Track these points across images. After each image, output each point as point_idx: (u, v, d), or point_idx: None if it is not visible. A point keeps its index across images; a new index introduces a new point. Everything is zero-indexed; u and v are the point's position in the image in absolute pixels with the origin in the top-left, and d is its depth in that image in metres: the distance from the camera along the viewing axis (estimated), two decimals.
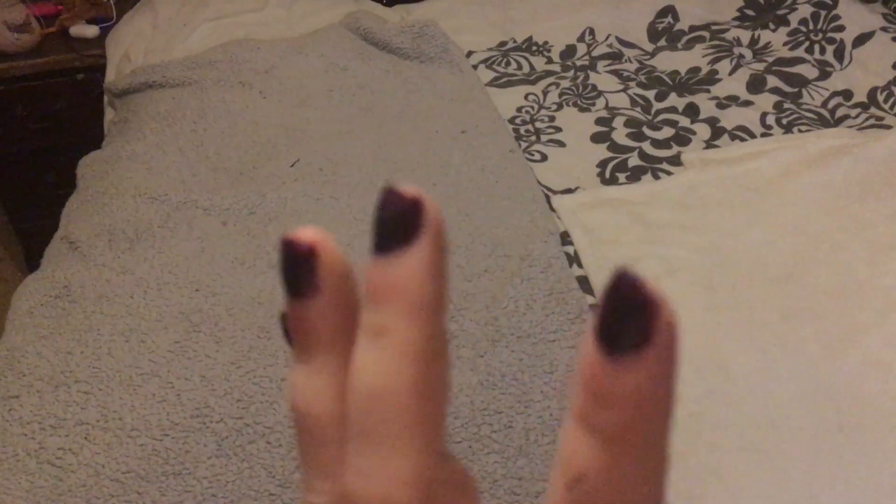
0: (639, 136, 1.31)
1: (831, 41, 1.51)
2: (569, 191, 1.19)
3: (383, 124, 1.34)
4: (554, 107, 1.40)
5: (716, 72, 1.48)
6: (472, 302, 0.97)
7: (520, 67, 1.54)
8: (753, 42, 1.56)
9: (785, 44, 1.55)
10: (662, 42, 1.61)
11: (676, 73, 1.49)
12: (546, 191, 1.18)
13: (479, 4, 1.72)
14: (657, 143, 1.29)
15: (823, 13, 1.55)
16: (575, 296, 0.97)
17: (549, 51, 1.59)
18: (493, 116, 1.34)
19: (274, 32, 1.62)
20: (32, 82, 1.74)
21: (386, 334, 0.15)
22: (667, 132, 1.32)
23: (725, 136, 1.30)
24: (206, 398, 0.87)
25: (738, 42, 1.56)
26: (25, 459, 0.83)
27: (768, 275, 1.02)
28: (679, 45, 1.58)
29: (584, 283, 1.01)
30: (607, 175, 1.23)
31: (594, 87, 1.45)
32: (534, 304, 0.96)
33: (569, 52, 1.59)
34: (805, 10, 1.57)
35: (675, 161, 1.24)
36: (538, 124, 1.35)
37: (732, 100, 1.39)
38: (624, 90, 1.43)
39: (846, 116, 1.35)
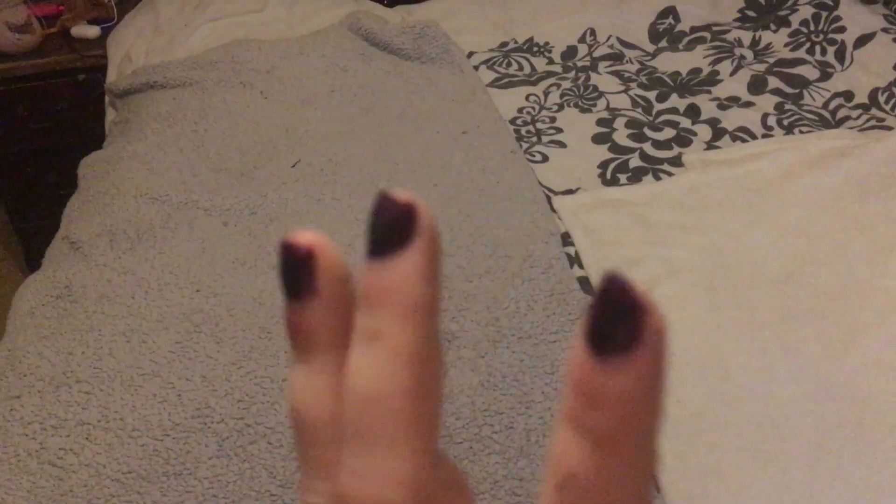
0: (640, 137, 1.31)
1: (832, 42, 1.51)
2: (570, 192, 1.19)
3: (384, 125, 1.34)
4: (555, 107, 1.40)
5: (717, 73, 1.48)
6: (473, 303, 0.97)
7: (521, 68, 1.54)
8: (754, 43, 1.56)
9: (786, 45, 1.55)
10: (663, 43, 1.61)
11: (677, 74, 1.49)
12: (547, 192, 1.18)
13: (481, 5, 1.72)
14: (658, 144, 1.29)
15: (824, 14, 1.55)
16: (576, 297, 0.97)
17: (550, 51, 1.59)
18: (495, 117, 1.34)
19: (275, 33, 1.62)
20: (34, 82, 1.74)
21: (380, 338, 0.16)
22: (668, 133, 1.32)
23: (726, 137, 1.30)
24: (207, 398, 0.87)
25: (740, 43, 1.56)
26: (27, 460, 0.83)
27: (769, 275, 1.02)
28: (680, 46, 1.58)
29: (586, 284, 1.01)
30: (608, 176, 1.23)
31: (595, 88, 1.45)
32: (535, 304, 0.96)
33: (570, 52, 1.59)
34: (806, 12, 1.57)
35: (677, 162, 1.24)
36: (539, 125, 1.35)
37: (733, 101, 1.39)
38: (625, 91, 1.43)
39: (847, 117, 1.35)
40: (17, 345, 0.97)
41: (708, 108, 1.37)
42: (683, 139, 1.30)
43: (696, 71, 1.49)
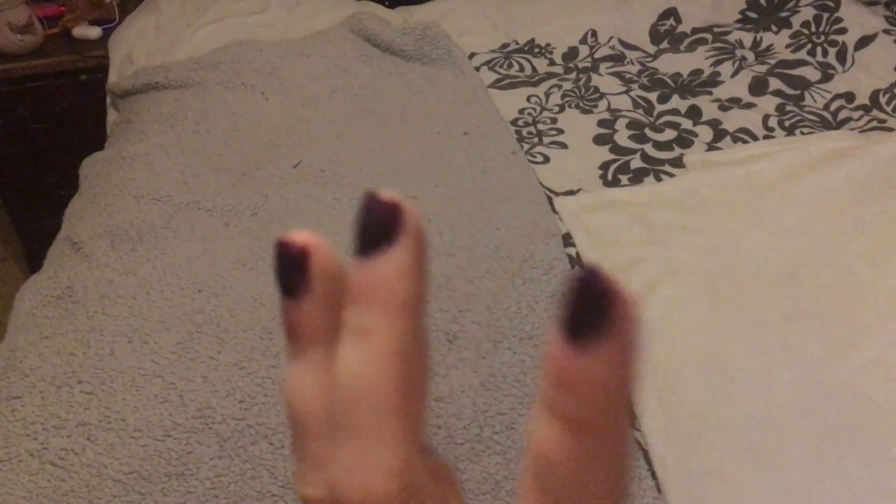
0: (641, 138, 1.31)
1: (833, 44, 1.51)
2: (571, 192, 1.19)
3: (386, 126, 1.34)
4: (556, 109, 1.40)
5: (718, 74, 1.48)
6: (474, 303, 0.97)
7: (522, 69, 1.54)
8: (756, 44, 1.56)
9: (787, 46, 1.55)
10: (664, 44, 1.61)
11: (678, 75, 1.49)
12: (548, 192, 1.18)
13: (482, 6, 1.72)
14: (659, 145, 1.29)
15: (826, 16, 1.55)
16: None
17: (551, 53, 1.59)
18: (496, 118, 1.34)
19: (276, 34, 1.62)
20: (35, 83, 1.74)
21: (367, 333, 0.16)
22: (669, 134, 1.32)
23: (727, 139, 1.30)
24: (208, 399, 0.87)
25: (741, 44, 1.56)
26: (28, 460, 0.83)
27: (770, 276, 1.02)
28: (681, 48, 1.58)
29: None
30: (609, 177, 1.23)
31: (596, 89, 1.45)
32: (536, 305, 0.96)
33: (571, 53, 1.59)
34: (807, 13, 1.57)
35: (678, 163, 1.24)
36: (540, 126, 1.35)
37: (734, 102, 1.39)
38: (626, 92, 1.44)
39: (848, 119, 1.35)
40: (18, 345, 0.97)
41: (709, 110, 1.37)
42: (684, 140, 1.30)
43: (697, 72, 1.49)
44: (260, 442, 0.83)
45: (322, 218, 1.13)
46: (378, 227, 0.16)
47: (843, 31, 1.51)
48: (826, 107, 1.38)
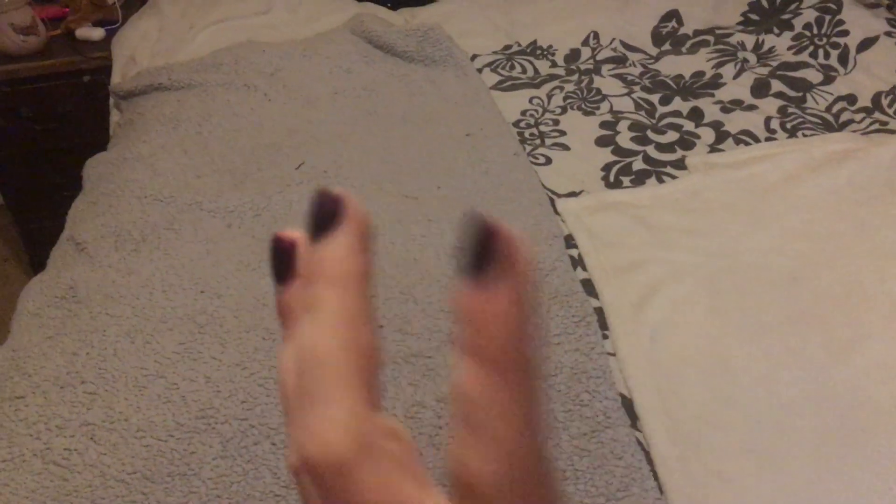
0: (643, 140, 1.31)
1: (835, 46, 1.51)
2: (573, 194, 1.19)
3: (388, 127, 1.34)
4: (558, 110, 1.40)
5: (720, 76, 1.48)
6: None
7: (524, 71, 1.54)
8: (758, 46, 1.56)
9: (789, 48, 1.55)
10: (667, 46, 1.61)
11: (681, 77, 1.49)
12: (550, 194, 1.18)
13: (484, 8, 1.72)
14: (661, 147, 1.29)
15: (828, 18, 1.55)
16: (579, 299, 0.97)
17: (553, 54, 1.59)
18: (498, 120, 1.34)
19: (279, 35, 1.62)
20: (38, 84, 1.75)
21: (317, 305, 0.18)
22: (671, 136, 1.32)
23: (730, 140, 1.30)
24: (211, 399, 0.88)
25: (743, 46, 1.57)
26: (31, 460, 0.83)
27: (772, 278, 1.02)
28: (683, 50, 1.58)
29: (588, 287, 1.01)
30: (612, 179, 1.23)
31: (598, 91, 1.45)
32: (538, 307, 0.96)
33: (573, 55, 1.59)
34: (809, 15, 1.58)
35: (680, 165, 1.25)
36: (542, 128, 1.35)
37: (737, 104, 1.40)
38: (628, 94, 1.44)
39: (850, 121, 1.35)
40: (21, 345, 0.97)
41: (711, 112, 1.38)
42: (687, 142, 1.30)
43: (699, 74, 1.49)
44: (262, 442, 0.83)
45: None
46: (323, 215, 0.18)
47: (845, 33, 1.51)
48: (828, 109, 1.39)
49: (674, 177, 1.22)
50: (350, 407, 0.17)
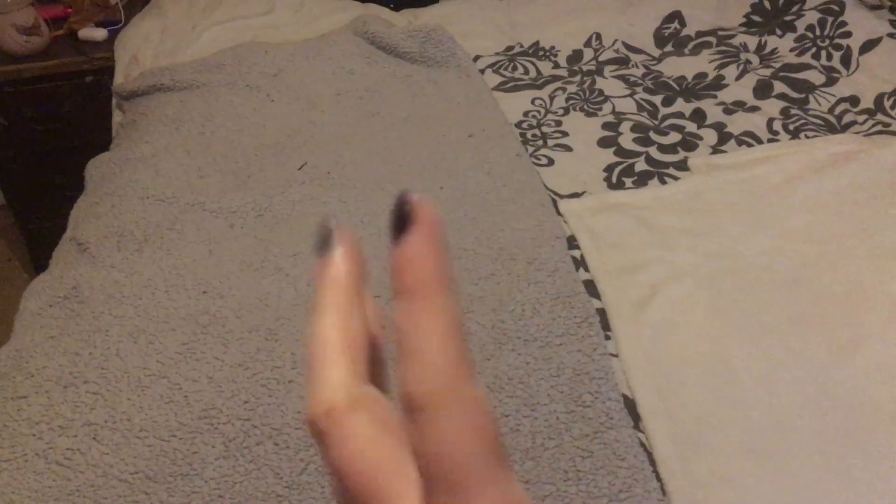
0: (645, 141, 1.31)
1: (838, 47, 1.51)
2: (575, 195, 1.19)
3: (390, 128, 1.34)
4: (561, 111, 1.40)
5: (722, 77, 1.48)
6: (478, 305, 0.98)
7: (527, 72, 1.54)
8: (760, 48, 1.56)
9: (792, 50, 1.55)
10: (669, 47, 1.61)
11: (683, 78, 1.49)
12: (553, 195, 1.18)
13: (486, 9, 1.72)
14: (664, 148, 1.29)
15: (830, 19, 1.55)
16: (581, 300, 0.97)
17: (555, 55, 1.59)
18: (500, 121, 1.34)
19: (281, 36, 1.62)
20: (41, 84, 1.75)
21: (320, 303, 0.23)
22: (673, 137, 1.32)
23: (732, 142, 1.30)
24: (213, 399, 0.88)
25: (745, 48, 1.57)
26: (34, 459, 0.83)
27: (774, 279, 1.02)
28: (686, 51, 1.58)
29: (591, 287, 1.01)
30: (614, 180, 1.23)
31: (601, 92, 1.45)
32: (540, 307, 0.96)
33: (575, 57, 1.59)
34: (812, 17, 1.58)
35: (682, 166, 1.25)
36: (545, 129, 1.35)
37: (739, 105, 1.39)
38: (631, 95, 1.44)
39: (853, 122, 1.35)
40: (24, 345, 0.97)
41: (713, 113, 1.38)
42: (689, 143, 1.30)
43: (701, 75, 1.49)
44: (265, 442, 0.83)
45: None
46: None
47: (848, 34, 1.51)
48: (831, 110, 1.38)
49: (676, 178, 1.22)
50: (344, 371, 0.21)
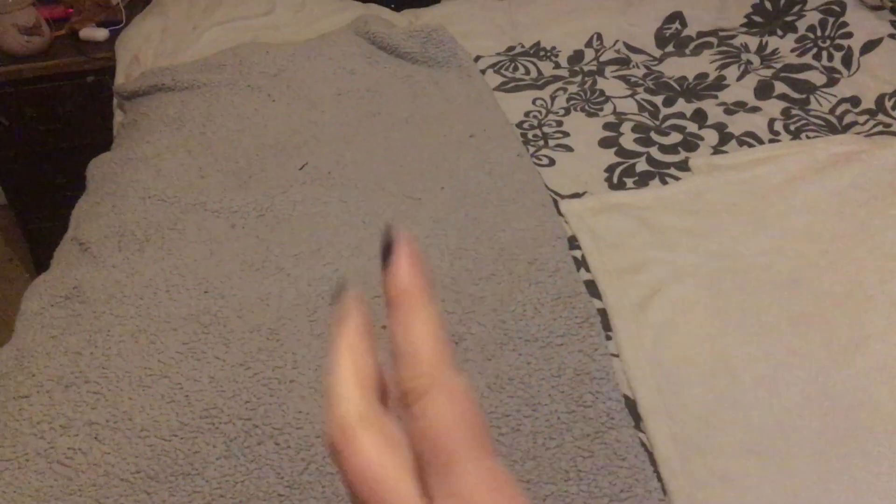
0: (646, 142, 1.31)
1: (839, 48, 1.51)
2: (576, 195, 1.19)
3: (392, 128, 1.34)
4: (562, 112, 1.40)
5: (723, 78, 1.48)
6: (479, 305, 0.98)
7: (528, 72, 1.54)
8: (761, 48, 1.56)
9: (793, 50, 1.55)
10: (670, 48, 1.61)
11: (684, 78, 1.49)
12: (554, 195, 1.18)
13: (488, 10, 1.72)
14: (665, 149, 1.29)
15: (831, 20, 1.55)
16: (582, 300, 0.97)
17: (556, 56, 1.60)
18: (502, 121, 1.34)
19: (282, 36, 1.62)
20: (42, 84, 1.75)
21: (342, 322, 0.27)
22: (674, 137, 1.32)
23: (733, 142, 1.30)
24: (214, 399, 0.88)
25: (746, 48, 1.57)
26: (35, 459, 0.83)
27: (775, 280, 1.02)
28: (687, 51, 1.58)
29: (592, 288, 1.01)
30: (615, 180, 1.23)
31: (602, 93, 1.45)
32: (542, 307, 0.97)
33: (576, 57, 1.59)
34: (813, 17, 1.58)
35: (683, 166, 1.25)
36: (546, 129, 1.35)
37: (740, 106, 1.40)
38: (632, 95, 1.44)
39: (854, 123, 1.35)
40: (25, 345, 0.97)
41: (714, 113, 1.38)
42: (690, 144, 1.30)
43: (702, 76, 1.49)
44: (266, 442, 0.83)
45: (328, 219, 1.13)
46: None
47: (849, 35, 1.51)
48: (831, 111, 1.39)
49: (677, 178, 1.22)
50: (353, 393, 0.24)
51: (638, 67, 1.54)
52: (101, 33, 1.78)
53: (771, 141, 1.30)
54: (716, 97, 1.43)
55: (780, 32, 1.58)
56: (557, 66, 1.57)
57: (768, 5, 1.64)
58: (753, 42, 1.57)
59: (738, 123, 1.34)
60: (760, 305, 0.98)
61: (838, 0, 1.57)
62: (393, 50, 1.54)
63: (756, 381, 0.89)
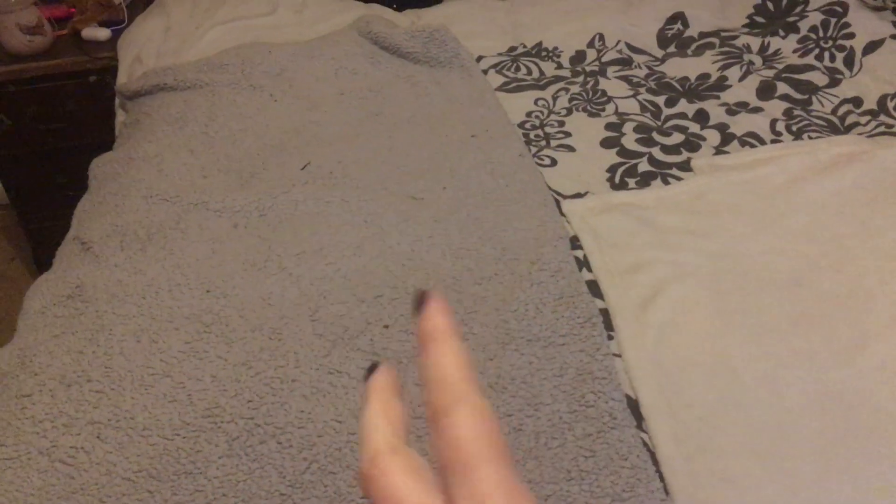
0: (648, 142, 1.31)
1: (841, 49, 1.51)
2: (578, 195, 1.19)
3: (394, 128, 1.34)
4: (563, 112, 1.40)
5: (725, 78, 1.48)
6: (481, 305, 0.98)
7: (529, 72, 1.54)
8: (763, 49, 1.56)
9: (795, 51, 1.55)
10: (672, 48, 1.61)
11: (686, 79, 1.49)
12: (556, 195, 1.18)
13: (490, 10, 1.73)
14: (667, 149, 1.29)
15: (833, 21, 1.55)
16: (584, 300, 0.98)
17: (558, 56, 1.60)
18: (503, 121, 1.34)
19: (284, 36, 1.63)
20: (44, 84, 1.75)
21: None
22: (676, 138, 1.32)
23: (735, 143, 1.30)
24: (216, 398, 0.88)
25: (748, 49, 1.57)
26: (38, 458, 0.83)
27: (777, 280, 1.02)
28: (689, 52, 1.58)
29: (594, 288, 1.01)
30: (617, 180, 1.23)
31: (604, 93, 1.45)
32: (543, 307, 0.97)
33: (578, 57, 1.59)
34: (815, 18, 1.58)
35: (685, 167, 1.25)
36: (548, 129, 1.35)
37: (742, 106, 1.40)
38: (634, 96, 1.44)
39: (856, 124, 1.35)
40: (28, 344, 0.97)
41: (716, 114, 1.38)
42: (692, 144, 1.30)
43: (704, 76, 1.49)
44: (268, 441, 0.83)
45: (330, 219, 1.13)
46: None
47: (851, 35, 1.51)
48: (833, 111, 1.39)
49: (679, 178, 1.22)
50: (385, 430, 0.27)
51: (640, 68, 1.54)
52: (104, 33, 1.78)
53: (773, 141, 1.30)
54: (718, 98, 1.43)
55: (782, 33, 1.58)
56: (559, 66, 1.57)
57: (770, 6, 1.64)
58: (755, 43, 1.58)
59: (740, 124, 1.34)
60: (762, 305, 0.98)
61: (840, 1, 1.57)
62: (395, 50, 1.54)
63: (757, 381, 0.89)
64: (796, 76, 1.47)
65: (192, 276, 1.04)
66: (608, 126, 1.35)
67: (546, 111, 1.41)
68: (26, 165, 1.88)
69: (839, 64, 1.49)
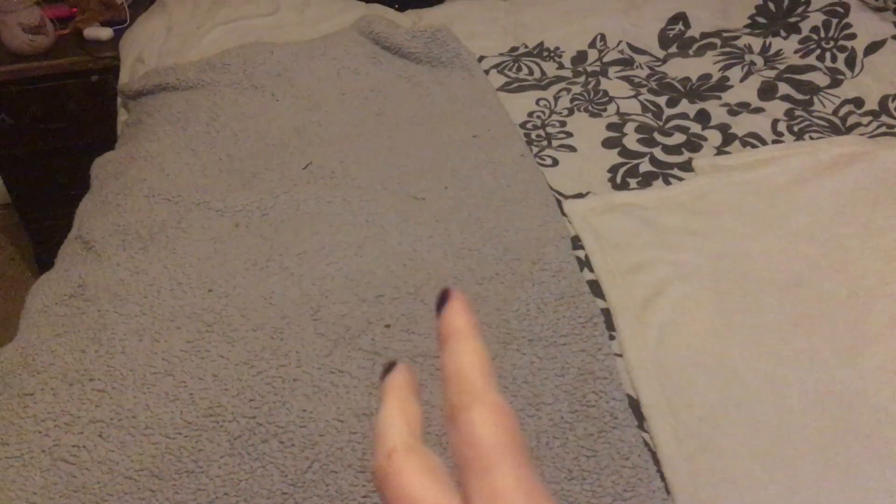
0: (650, 142, 1.31)
1: (843, 49, 1.51)
2: (580, 196, 1.19)
3: (395, 128, 1.34)
4: (565, 112, 1.40)
5: (727, 79, 1.48)
6: (483, 305, 0.98)
7: (531, 73, 1.55)
8: (765, 49, 1.57)
9: (796, 51, 1.55)
10: (673, 49, 1.61)
11: (687, 79, 1.49)
12: (557, 195, 1.18)
13: (491, 10, 1.73)
14: (668, 149, 1.29)
15: (835, 21, 1.55)
16: (586, 300, 0.98)
17: (560, 56, 1.60)
18: (505, 121, 1.34)
19: (286, 36, 1.63)
20: (46, 83, 1.76)
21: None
22: (678, 138, 1.32)
23: (737, 143, 1.30)
24: (218, 397, 0.88)
25: (750, 49, 1.57)
26: (40, 456, 0.83)
27: (779, 281, 1.02)
28: (690, 52, 1.59)
29: (595, 288, 1.01)
30: (618, 180, 1.23)
31: (605, 93, 1.45)
32: (545, 307, 0.97)
33: (580, 57, 1.59)
34: (816, 18, 1.58)
35: (687, 167, 1.25)
36: (549, 129, 1.36)
37: (744, 106, 1.40)
38: (635, 96, 1.44)
39: (857, 124, 1.35)
40: (30, 342, 0.98)
41: (718, 114, 1.38)
42: (693, 144, 1.30)
43: (706, 77, 1.49)
44: (270, 440, 0.83)
45: (332, 219, 1.13)
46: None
47: (853, 36, 1.52)
48: (835, 112, 1.39)
49: (680, 179, 1.22)
50: (401, 428, 0.26)
51: (641, 68, 1.54)
52: (106, 32, 1.78)
53: (774, 142, 1.30)
54: (719, 98, 1.43)
55: (783, 33, 1.59)
56: (561, 66, 1.57)
57: (772, 6, 1.64)
58: (757, 43, 1.58)
59: (742, 124, 1.34)
60: (763, 306, 0.99)
61: (842, 1, 1.57)
62: (397, 50, 1.54)
63: (759, 382, 0.89)
64: (798, 77, 1.47)
65: (194, 275, 1.04)
66: (609, 126, 1.35)
67: (547, 111, 1.41)
68: (28, 165, 1.88)
69: (840, 64, 1.49)
